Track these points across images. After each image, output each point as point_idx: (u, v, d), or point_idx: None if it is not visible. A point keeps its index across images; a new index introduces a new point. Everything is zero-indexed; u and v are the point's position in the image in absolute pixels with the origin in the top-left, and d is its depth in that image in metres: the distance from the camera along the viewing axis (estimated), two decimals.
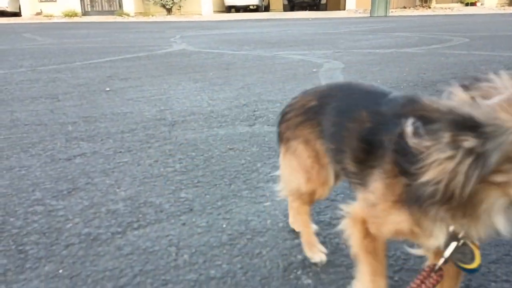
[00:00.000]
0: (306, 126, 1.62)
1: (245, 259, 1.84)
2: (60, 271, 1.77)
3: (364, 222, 1.29)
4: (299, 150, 1.67)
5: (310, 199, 1.79)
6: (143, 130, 3.74)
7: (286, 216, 2.21)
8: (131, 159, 3.05)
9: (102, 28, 18.51)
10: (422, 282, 1.14)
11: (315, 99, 1.61)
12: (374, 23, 18.64)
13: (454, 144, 0.89)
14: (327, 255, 1.84)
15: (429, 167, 0.91)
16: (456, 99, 0.95)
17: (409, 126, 0.95)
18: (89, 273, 1.76)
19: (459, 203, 0.93)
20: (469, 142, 0.87)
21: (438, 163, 0.90)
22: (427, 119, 0.92)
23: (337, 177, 1.70)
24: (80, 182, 2.66)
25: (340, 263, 1.81)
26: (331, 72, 6.35)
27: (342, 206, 1.38)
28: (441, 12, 26.76)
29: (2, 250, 1.93)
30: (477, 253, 1.09)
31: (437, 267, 1.14)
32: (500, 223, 0.99)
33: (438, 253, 1.23)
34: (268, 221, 2.16)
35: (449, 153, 0.89)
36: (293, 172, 1.74)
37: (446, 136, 0.89)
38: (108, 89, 5.53)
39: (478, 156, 0.88)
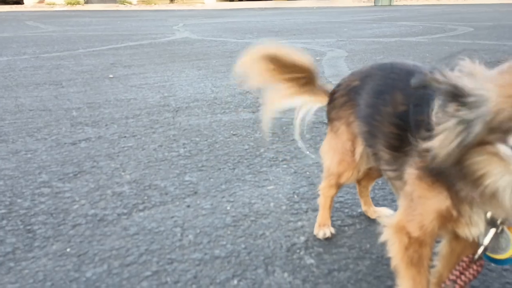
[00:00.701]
0: (348, 107, 1.63)
1: (249, 239, 1.88)
2: (68, 249, 1.81)
3: (405, 230, 1.20)
4: (340, 131, 1.68)
5: (337, 182, 1.79)
6: (147, 115, 3.76)
7: (289, 199, 2.24)
8: (136, 143, 3.07)
9: (105, 17, 18.44)
10: (462, 273, 1.11)
11: (358, 79, 1.60)
12: (378, 12, 18.51)
13: (453, 114, 0.92)
14: (331, 236, 1.87)
15: (435, 136, 0.96)
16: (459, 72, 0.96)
17: (435, 103, 0.98)
18: (96, 252, 1.79)
19: (457, 172, 0.97)
20: (462, 112, 0.91)
21: (440, 131, 0.94)
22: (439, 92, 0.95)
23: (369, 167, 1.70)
24: (86, 165, 2.69)
25: (342, 244, 1.84)
26: (334, 61, 6.34)
27: (383, 218, 1.32)
28: (446, 2, 26.53)
29: (11, 230, 1.96)
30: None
31: (476, 257, 1.11)
32: (507, 198, 0.96)
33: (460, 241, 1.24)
34: (272, 204, 2.19)
35: (447, 122, 0.93)
36: (330, 151, 1.76)
37: (449, 107, 0.92)
38: (111, 76, 5.54)
39: (466, 124, 0.91)
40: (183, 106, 4.05)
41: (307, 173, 2.55)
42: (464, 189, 1.02)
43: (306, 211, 2.11)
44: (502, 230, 1.07)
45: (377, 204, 2.10)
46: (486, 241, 1.06)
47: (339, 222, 2.01)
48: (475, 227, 1.08)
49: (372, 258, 1.74)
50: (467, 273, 1.09)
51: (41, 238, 1.90)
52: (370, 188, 2.06)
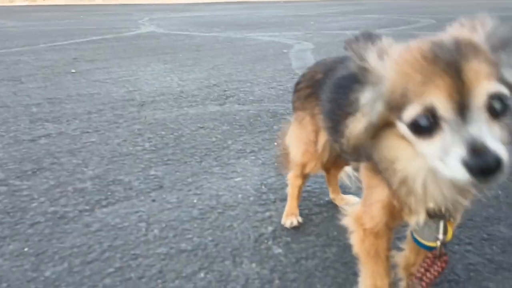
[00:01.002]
0: (312, 99, 1.62)
1: (216, 232, 1.84)
2: (26, 249, 1.73)
3: (361, 221, 1.22)
4: (305, 122, 1.68)
5: (302, 171, 1.80)
6: (111, 110, 3.65)
7: (257, 190, 2.21)
8: (99, 139, 2.98)
9: (68, 11, 17.85)
10: (427, 270, 1.10)
11: (322, 72, 1.59)
12: (344, 5, 18.71)
13: (361, 94, 0.93)
14: (298, 225, 1.86)
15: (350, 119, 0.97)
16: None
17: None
18: (56, 250, 1.72)
19: (376, 158, 0.98)
20: (368, 92, 0.92)
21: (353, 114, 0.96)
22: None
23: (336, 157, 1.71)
24: (45, 162, 2.59)
25: (310, 232, 1.83)
26: (301, 53, 6.35)
27: (346, 203, 1.33)
28: None
29: None
30: (450, 229, 1.07)
31: (438, 253, 1.10)
32: (417, 186, 0.96)
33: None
34: (239, 196, 2.16)
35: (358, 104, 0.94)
36: (295, 142, 1.77)
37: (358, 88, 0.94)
38: (73, 70, 5.35)
39: (371, 104, 0.91)
40: (149, 100, 3.96)
41: (275, 164, 2.53)
42: (384, 169, 1.01)
43: (274, 201, 2.09)
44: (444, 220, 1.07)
45: (344, 193, 2.11)
46: (440, 235, 1.07)
47: (306, 211, 2.00)
48: (416, 216, 1.07)
49: (339, 245, 1.74)
50: (432, 270, 1.09)
51: None
52: (338, 176, 2.06)
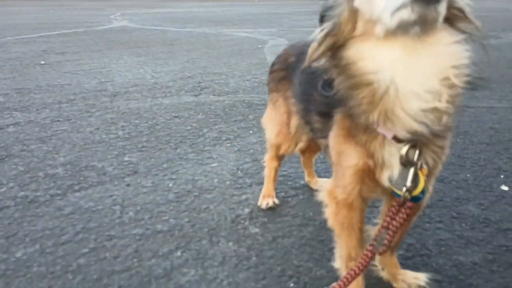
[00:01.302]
0: (285, 82, 1.65)
1: (193, 213, 1.83)
2: None
3: (334, 195, 1.23)
4: (278, 104, 1.71)
5: (277, 153, 1.82)
6: (82, 100, 3.57)
7: (233, 175, 2.21)
8: (70, 127, 2.91)
9: (36, 5, 17.34)
10: (392, 218, 1.11)
11: (294, 55, 1.61)
12: (317, 4, 18.84)
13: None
14: (274, 207, 1.87)
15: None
16: None
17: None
18: (27, 233, 1.67)
19: (338, 74, 1.02)
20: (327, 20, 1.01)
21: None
22: None
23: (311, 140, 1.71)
24: (14, 149, 2.51)
25: (286, 213, 1.85)
26: (276, 48, 6.37)
27: (320, 181, 1.31)
28: None
29: None
30: (422, 179, 1.07)
31: (402, 199, 1.09)
32: (387, 77, 0.94)
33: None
34: (215, 180, 2.15)
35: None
36: (270, 123, 1.80)
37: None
38: (43, 62, 5.21)
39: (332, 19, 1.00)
40: (122, 91, 3.89)
41: (251, 150, 2.54)
42: (355, 102, 1.02)
43: (250, 185, 2.10)
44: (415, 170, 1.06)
45: (319, 176, 2.13)
46: (408, 182, 1.05)
47: (282, 193, 2.01)
48: (390, 169, 1.08)
49: (315, 224, 1.76)
50: (397, 217, 1.10)
51: None
52: (313, 160, 2.09)
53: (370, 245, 1.12)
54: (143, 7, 17.01)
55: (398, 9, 0.86)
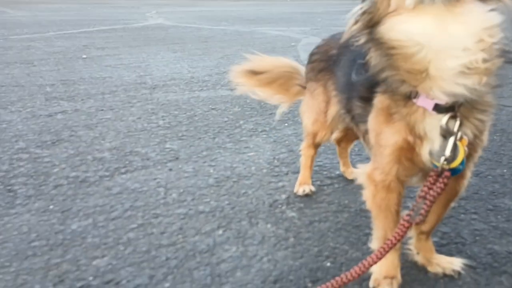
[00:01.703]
0: (326, 73, 1.73)
1: (232, 197, 1.92)
2: (51, 206, 1.81)
3: (372, 177, 1.26)
4: (317, 92, 1.79)
5: (313, 141, 1.90)
6: (124, 92, 3.73)
7: (269, 163, 2.29)
8: (114, 116, 3.06)
9: (75, 3, 17.95)
10: (430, 188, 1.13)
11: (336, 48, 1.68)
12: (350, 4, 18.66)
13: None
14: (310, 193, 1.94)
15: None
16: None
17: None
18: (80, 208, 1.80)
19: (378, 50, 1.08)
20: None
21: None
22: None
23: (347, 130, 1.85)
24: (64, 134, 2.67)
25: (322, 200, 1.91)
26: (309, 46, 6.40)
27: (358, 165, 1.38)
28: None
29: None
30: (462, 149, 1.09)
31: (440, 170, 1.11)
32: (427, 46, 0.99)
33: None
34: (253, 168, 2.24)
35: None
36: (307, 111, 1.88)
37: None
38: (85, 56, 5.44)
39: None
40: (160, 84, 4.04)
41: (286, 141, 2.61)
42: (393, 74, 1.08)
43: (287, 174, 2.17)
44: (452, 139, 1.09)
45: (354, 167, 2.18)
46: (448, 151, 1.08)
47: (318, 182, 2.08)
48: (431, 142, 1.11)
49: (350, 211, 1.81)
50: (434, 187, 1.12)
51: (23, 197, 1.88)
52: (349, 150, 2.14)
53: (407, 215, 1.16)
54: (177, 5, 17.32)
55: None
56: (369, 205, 1.34)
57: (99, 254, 1.50)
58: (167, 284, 1.35)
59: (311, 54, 1.85)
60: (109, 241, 1.57)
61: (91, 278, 1.37)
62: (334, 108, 1.72)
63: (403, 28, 1.03)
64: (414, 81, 1.05)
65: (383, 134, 1.20)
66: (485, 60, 0.99)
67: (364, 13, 1.08)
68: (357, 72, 1.39)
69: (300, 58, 5.38)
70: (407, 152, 1.16)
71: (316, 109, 1.81)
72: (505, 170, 2.19)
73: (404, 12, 1.02)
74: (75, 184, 2.01)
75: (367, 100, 1.30)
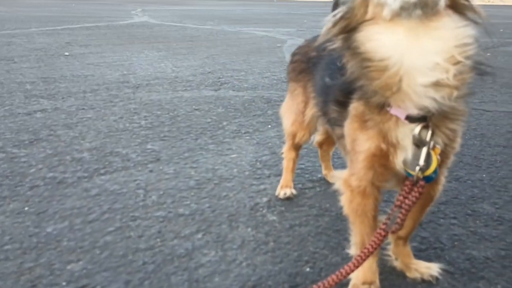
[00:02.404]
0: (306, 74, 1.73)
1: (213, 200, 1.90)
2: (26, 208, 1.76)
3: (348, 183, 1.27)
4: (296, 93, 1.79)
5: (293, 141, 1.89)
6: (106, 90, 3.68)
7: (252, 166, 2.28)
8: (95, 115, 3.01)
9: None
10: (405, 197, 1.14)
11: (316, 50, 1.67)
12: None
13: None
14: (292, 196, 1.93)
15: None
16: None
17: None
18: (56, 210, 1.76)
19: (350, 56, 1.08)
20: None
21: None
22: None
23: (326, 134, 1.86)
24: (42, 133, 2.61)
25: (303, 203, 1.90)
26: (295, 48, 6.42)
27: (336, 172, 1.37)
28: None
29: None
30: (434, 158, 1.11)
31: (415, 179, 1.12)
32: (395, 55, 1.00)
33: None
34: (235, 170, 2.22)
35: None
36: (287, 111, 1.88)
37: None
38: (67, 53, 5.35)
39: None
40: (143, 83, 3.99)
41: (269, 144, 2.60)
42: (367, 83, 1.08)
43: (269, 176, 2.16)
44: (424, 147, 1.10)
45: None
46: (421, 161, 1.09)
47: (300, 185, 2.07)
48: (403, 151, 1.12)
49: (331, 215, 1.81)
50: (409, 196, 1.13)
51: None
52: (330, 153, 2.14)
53: (383, 224, 1.17)
54: (163, 4, 17.20)
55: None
56: (346, 210, 1.33)
57: (74, 258, 1.46)
58: None
59: (293, 55, 1.86)
60: (85, 245, 1.54)
61: (64, 283, 1.33)
62: (312, 109, 1.73)
63: (378, 41, 1.03)
64: (387, 93, 1.06)
65: (358, 140, 1.20)
66: (455, 76, 1.00)
67: (341, 18, 1.08)
68: (332, 76, 1.39)
69: (285, 59, 5.39)
70: (381, 159, 1.17)
71: (295, 109, 1.81)
72: (484, 175, 2.22)
73: (381, 22, 1.02)
74: (52, 185, 1.97)
75: (343, 104, 1.31)
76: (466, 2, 1.03)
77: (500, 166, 2.33)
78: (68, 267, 1.41)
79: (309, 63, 1.71)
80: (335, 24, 1.09)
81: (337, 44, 1.12)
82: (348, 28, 1.07)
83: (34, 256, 1.47)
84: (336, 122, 1.40)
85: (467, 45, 1.00)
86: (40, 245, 1.52)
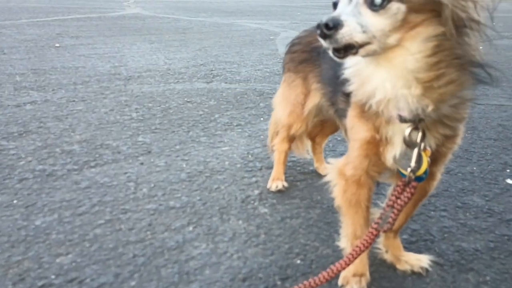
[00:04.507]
0: (308, 64, 1.69)
1: (204, 192, 1.89)
2: (15, 201, 1.74)
3: (343, 172, 1.27)
4: (295, 84, 1.75)
5: (287, 133, 1.87)
6: (97, 82, 3.64)
7: (243, 158, 2.27)
8: (85, 107, 2.98)
9: None
10: (397, 197, 1.14)
11: None
12: None
13: None
14: (283, 189, 1.92)
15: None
16: None
17: None
18: (46, 203, 1.74)
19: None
20: None
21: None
22: None
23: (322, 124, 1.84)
24: (32, 126, 2.58)
25: (294, 196, 1.90)
26: (288, 40, 6.39)
27: (330, 159, 1.37)
28: None
29: None
30: (425, 159, 1.11)
31: (407, 179, 1.13)
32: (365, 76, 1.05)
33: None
34: (226, 163, 2.21)
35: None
36: (282, 102, 1.84)
37: None
38: (57, 45, 5.28)
39: None
40: (135, 75, 3.96)
41: (261, 136, 2.59)
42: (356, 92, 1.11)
43: (260, 169, 2.15)
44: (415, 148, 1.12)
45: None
46: (413, 162, 1.11)
47: (291, 178, 2.07)
48: (392, 147, 1.14)
49: (322, 207, 1.81)
50: (402, 197, 1.14)
51: None
52: (323, 145, 2.13)
53: (375, 223, 1.17)
54: None
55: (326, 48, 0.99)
56: (339, 201, 1.32)
57: (63, 251, 1.45)
58: (133, 283, 1.32)
59: (292, 45, 1.82)
60: (75, 238, 1.52)
61: (53, 276, 1.32)
62: (313, 101, 1.71)
63: (355, 72, 1.08)
64: (371, 101, 1.08)
65: (355, 128, 1.21)
66: (423, 96, 1.01)
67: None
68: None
69: (278, 51, 5.36)
70: (374, 147, 1.17)
71: (293, 100, 1.78)
72: (474, 168, 2.23)
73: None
74: (41, 178, 1.94)
75: (348, 95, 1.30)
76: (477, 25, 1.00)
77: (490, 159, 2.34)
78: (57, 260, 1.40)
79: (312, 53, 1.68)
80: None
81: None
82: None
83: (23, 249, 1.45)
84: (343, 113, 1.39)
85: (419, 67, 0.99)
86: (29, 238, 1.51)
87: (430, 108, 1.02)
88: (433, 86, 1.00)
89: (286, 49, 1.83)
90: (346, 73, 1.12)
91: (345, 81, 1.16)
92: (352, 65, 1.11)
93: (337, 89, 1.44)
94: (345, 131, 1.46)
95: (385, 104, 1.05)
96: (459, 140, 1.21)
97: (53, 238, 1.52)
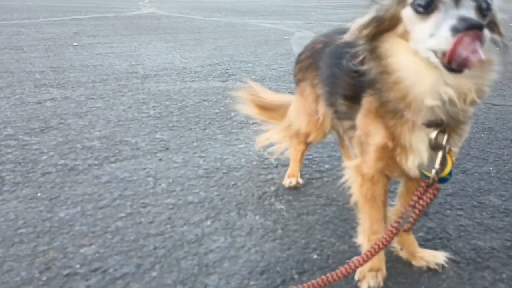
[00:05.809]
0: (312, 69, 1.70)
1: (221, 188, 1.93)
2: (39, 194, 1.80)
3: (360, 170, 1.30)
4: (307, 93, 1.75)
5: (305, 140, 1.89)
6: (115, 80, 3.70)
7: (260, 156, 2.30)
8: (104, 105, 3.04)
9: None
10: (420, 198, 1.16)
11: (322, 42, 1.67)
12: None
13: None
14: (299, 186, 1.95)
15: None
16: None
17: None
18: (68, 196, 1.79)
19: (372, 59, 1.10)
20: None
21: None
22: None
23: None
24: (53, 122, 2.64)
25: (310, 193, 1.93)
26: (302, 40, 6.41)
27: (345, 162, 1.42)
28: None
29: None
30: (450, 160, 1.14)
31: (430, 182, 1.15)
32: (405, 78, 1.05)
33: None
34: (243, 160, 2.24)
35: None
36: (299, 114, 1.83)
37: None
38: (75, 44, 5.38)
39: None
40: (152, 74, 4.01)
41: None
42: (383, 89, 1.11)
43: (276, 166, 2.18)
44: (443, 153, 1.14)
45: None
46: (437, 164, 1.13)
47: (307, 175, 2.09)
48: (414, 155, 1.16)
49: (338, 205, 1.83)
50: (424, 197, 1.16)
51: (10, 184, 1.87)
52: None
53: (396, 222, 1.19)
54: None
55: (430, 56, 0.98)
56: (356, 196, 1.36)
57: (87, 242, 1.49)
58: (154, 273, 1.35)
59: (299, 55, 1.83)
60: (97, 230, 1.57)
61: (78, 266, 1.37)
62: (323, 106, 1.72)
63: (400, 59, 1.06)
64: (400, 104, 1.09)
65: (370, 134, 1.23)
66: (464, 94, 1.03)
67: (373, 20, 1.08)
68: (339, 67, 1.39)
69: (292, 51, 5.38)
70: (389, 152, 1.20)
71: (308, 110, 1.77)
72: (491, 168, 2.23)
73: (405, 44, 1.05)
74: (63, 172, 2.00)
75: (353, 98, 1.32)
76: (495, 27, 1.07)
77: (507, 160, 2.34)
78: (81, 250, 1.45)
79: (314, 56, 1.69)
80: (367, 25, 1.09)
81: (361, 46, 1.13)
82: (377, 32, 1.09)
83: (48, 239, 1.50)
84: (346, 116, 1.41)
85: (483, 90, 1.05)
86: (53, 229, 1.56)
87: (466, 108, 1.06)
88: (470, 91, 1.05)
89: (295, 61, 1.84)
90: (390, 60, 1.09)
91: (364, 77, 1.16)
92: (398, 63, 1.08)
93: (334, 91, 1.45)
94: (346, 133, 1.47)
95: (426, 109, 1.06)
96: (466, 134, 1.24)
97: (76, 230, 1.56)
